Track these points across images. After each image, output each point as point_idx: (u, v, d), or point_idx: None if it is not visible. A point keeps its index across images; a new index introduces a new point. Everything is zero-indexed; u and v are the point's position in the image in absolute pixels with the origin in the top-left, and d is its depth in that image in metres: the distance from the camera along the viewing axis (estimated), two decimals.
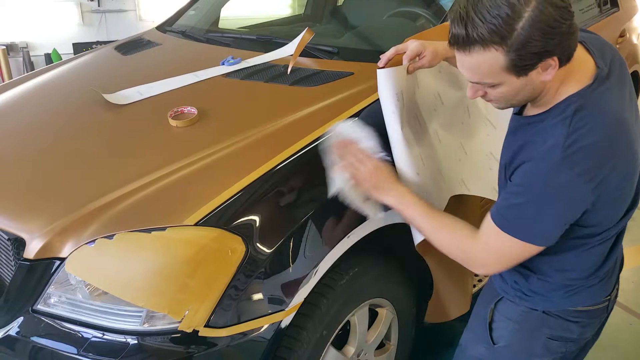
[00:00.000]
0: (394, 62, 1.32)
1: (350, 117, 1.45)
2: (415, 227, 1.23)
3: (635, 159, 1.02)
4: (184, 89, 1.75)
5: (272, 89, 1.67)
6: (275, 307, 1.23)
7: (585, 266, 1.13)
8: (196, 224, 1.19)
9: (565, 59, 0.95)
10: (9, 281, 1.27)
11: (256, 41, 2.10)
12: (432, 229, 1.16)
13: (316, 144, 1.38)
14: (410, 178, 1.30)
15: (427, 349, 2.01)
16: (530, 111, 1.07)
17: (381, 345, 1.69)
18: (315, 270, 1.29)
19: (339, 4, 2.91)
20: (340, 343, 1.51)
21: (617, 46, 2.83)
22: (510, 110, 1.14)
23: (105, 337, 1.18)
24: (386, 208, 1.32)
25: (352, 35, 2.20)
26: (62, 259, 1.21)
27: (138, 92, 1.75)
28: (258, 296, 1.21)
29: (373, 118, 1.40)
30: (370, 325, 1.59)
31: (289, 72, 1.71)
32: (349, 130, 1.32)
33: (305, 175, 1.35)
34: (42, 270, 1.23)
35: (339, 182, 1.29)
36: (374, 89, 1.36)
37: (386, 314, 1.62)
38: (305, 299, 1.29)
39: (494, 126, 1.56)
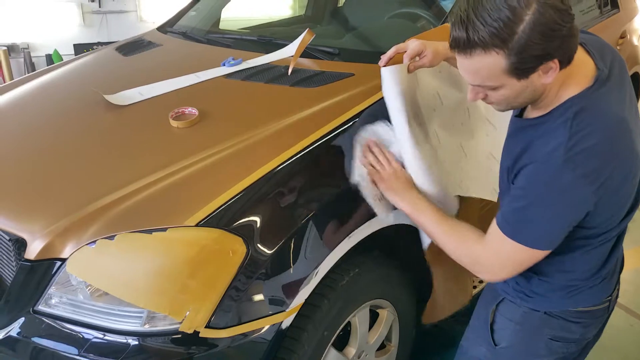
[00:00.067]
0: (395, 61, 1.32)
1: (351, 117, 1.45)
2: (425, 232, 1.25)
3: (636, 160, 1.02)
4: (184, 89, 1.75)
5: (272, 89, 1.67)
6: (276, 308, 1.23)
7: (587, 267, 1.13)
8: (197, 225, 1.19)
9: (565, 61, 0.95)
10: (10, 282, 1.27)
11: (257, 42, 2.10)
12: (441, 234, 1.17)
13: (316, 145, 1.38)
14: (421, 174, 1.31)
15: (427, 350, 2.01)
16: (531, 113, 1.07)
17: (382, 346, 1.69)
18: (316, 271, 1.29)
19: (340, 5, 2.91)
20: (341, 344, 1.51)
21: (618, 47, 2.83)
22: (511, 111, 1.14)
23: (106, 337, 1.18)
24: (395, 209, 1.34)
25: (353, 37, 2.20)
26: (63, 260, 1.21)
27: (139, 92, 1.75)
28: (259, 297, 1.21)
29: (374, 119, 1.41)
30: (371, 326, 1.59)
31: (289, 73, 1.71)
32: (381, 131, 1.36)
33: (306, 176, 1.35)
34: (43, 271, 1.23)
35: (358, 175, 1.34)
36: (375, 90, 1.37)
37: (387, 315, 1.62)
38: (306, 300, 1.29)
39: (494, 126, 1.56)
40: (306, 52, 1.81)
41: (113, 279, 1.18)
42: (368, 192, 1.34)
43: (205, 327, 1.15)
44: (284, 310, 1.24)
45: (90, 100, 1.74)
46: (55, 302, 1.23)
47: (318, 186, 1.37)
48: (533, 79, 0.95)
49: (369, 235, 1.40)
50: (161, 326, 1.17)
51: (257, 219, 1.24)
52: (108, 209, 1.26)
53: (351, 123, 1.44)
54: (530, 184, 1.01)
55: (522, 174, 1.03)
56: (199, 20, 2.48)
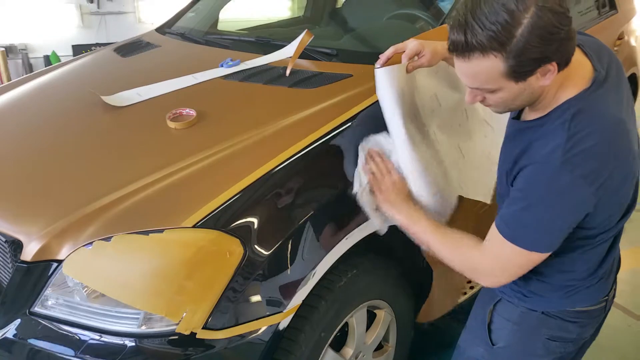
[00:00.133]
0: (393, 61, 1.32)
1: (350, 118, 1.45)
2: (421, 243, 1.24)
3: (634, 160, 1.02)
4: (182, 90, 1.75)
5: (271, 90, 1.67)
6: (273, 309, 1.23)
7: (584, 267, 1.13)
8: (194, 226, 1.19)
9: (563, 63, 0.95)
10: (6, 283, 1.27)
11: (255, 43, 2.10)
12: (437, 243, 1.17)
13: (314, 146, 1.38)
14: (417, 176, 1.31)
15: (425, 350, 2.01)
16: (529, 115, 1.07)
17: (379, 347, 1.69)
18: (314, 272, 1.29)
19: (338, 6, 2.91)
20: (338, 345, 1.51)
21: (616, 49, 2.84)
22: (508, 113, 1.14)
23: (102, 339, 1.18)
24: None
25: (351, 38, 2.20)
26: (60, 261, 1.21)
27: (137, 94, 1.75)
28: (256, 298, 1.21)
29: (372, 120, 1.40)
30: (368, 326, 1.59)
31: (287, 74, 1.71)
32: (383, 141, 1.36)
33: (303, 177, 1.35)
34: (40, 272, 1.22)
35: (357, 183, 1.34)
36: (373, 91, 1.37)
37: (384, 315, 1.62)
38: (303, 301, 1.29)
39: (492, 128, 1.56)
40: (305, 53, 1.81)
41: (110, 281, 1.18)
42: (366, 202, 1.33)
43: (202, 328, 1.15)
44: (282, 311, 1.24)
45: (88, 101, 1.74)
46: (51, 303, 1.23)
47: (316, 187, 1.37)
48: (531, 81, 0.96)
49: (366, 236, 1.40)
50: (158, 327, 1.17)
51: (254, 220, 1.24)
52: (105, 210, 1.25)
53: (349, 124, 1.44)
54: (529, 186, 1.01)
55: (521, 176, 1.03)
56: (197, 22, 2.48)
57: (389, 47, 1.35)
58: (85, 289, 1.20)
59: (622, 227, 1.13)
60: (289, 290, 1.25)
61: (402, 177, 1.32)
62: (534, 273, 1.14)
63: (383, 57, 1.33)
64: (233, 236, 1.20)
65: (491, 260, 1.08)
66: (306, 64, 1.79)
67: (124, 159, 1.47)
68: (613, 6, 2.96)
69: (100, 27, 5.13)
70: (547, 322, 1.18)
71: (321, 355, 1.40)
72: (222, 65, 1.84)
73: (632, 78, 3.05)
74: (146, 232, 1.20)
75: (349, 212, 1.36)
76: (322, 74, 1.70)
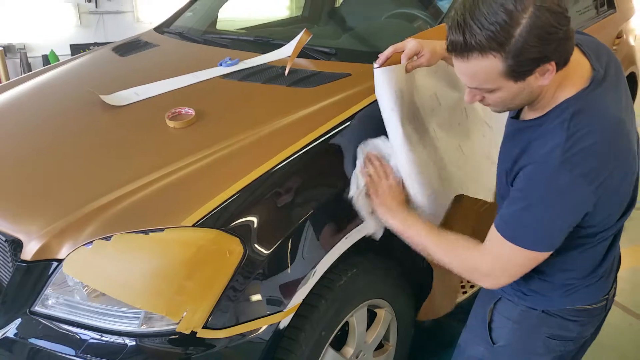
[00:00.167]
0: (392, 61, 1.32)
1: (348, 118, 1.45)
2: (416, 247, 1.22)
3: (634, 159, 1.03)
4: (181, 90, 1.75)
5: (269, 90, 1.67)
6: (273, 308, 1.23)
7: (585, 265, 1.13)
8: (194, 225, 1.19)
9: (562, 63, 0.95)
10: (6, 283, 1.27)
11: (254, 42, 2.10)
12: (432, 245, 1.17)
13: (313, 145, 1.38)
14: (414, 177, 1.31)
15: (425, 349, 2.01)
16: (528, 115, 1.07)
17: (380, 346, 1.69)
18: (314, 271, 1.29)
19: (337, 6, 2.91)
20: (338, 344, 1.51)
21: (614, 48, 2.84)
22: (507, 112, 1.14)
23: (103, 338, 1.18)
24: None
25: (350, 37, 2.20)
26: (60, 261, 1.21)
27: (135, 93, 1.75)
28: (256, 297, 1.21)
29: (371, 119, 1.41)
30: (369, 326, 1.59)
31: (286, 73, 1.71)
32: (381, 145, 1.36)
33: (303, 176, 1.35)
34: (40, 271, 1.22)
35: (354, 186, 1.33)
36: (372, 90, 1.37)
37: (385, 314, 1.62)
38: (303, 300, 1.29)
39: (490, 127, 1.56)
40: (303, 53, 1.81)
41: (110, 280, 1.18)
42: (362, 205, 1.33)
43: (203, 327, 1.15)
44: (282, 311, 1.24)
45: (86, 100, 1.74)
46: (51, 303, 1.23)
47: (315, 186, 1.37)
48: (530, 81, 0.96)
49: (365, 236, 1.40)
50: (158, 327, 1.17)
51: (254, 219, 1.24)
52: (105, 210, 1.25)
53: (348, 123, 1.44)
54: (529, 186, 1.01)
55: (521, 176, 1.03)
56: (195, 21, 2.47)
57: (387, 46, 1.35)
58: (86, 288, 1.20)
59: (622, 225, 1.13)
60: (289, 289, 1.25)
61: (399, 181, 1.32)
62: (535, 272, 1.14)
63: (382, 56, 1.33)
64: (233, 235, 1.20)
65: (491, 260, 1.08)
66: (305, 63, 1.79)
67: (124, 158, 1.47)
68: (611, 5, 2.97)
69: (98, 26, 5.13)
70: (547, 321, 1.18)
71: (322, 355, 1.40)
72: (220, 65, 1.84)
73: (631, 77, 3.05)
74: (146, 232, 1.19)
75: (348, 211, 1.36)
76: (320, 73, 1.70)
